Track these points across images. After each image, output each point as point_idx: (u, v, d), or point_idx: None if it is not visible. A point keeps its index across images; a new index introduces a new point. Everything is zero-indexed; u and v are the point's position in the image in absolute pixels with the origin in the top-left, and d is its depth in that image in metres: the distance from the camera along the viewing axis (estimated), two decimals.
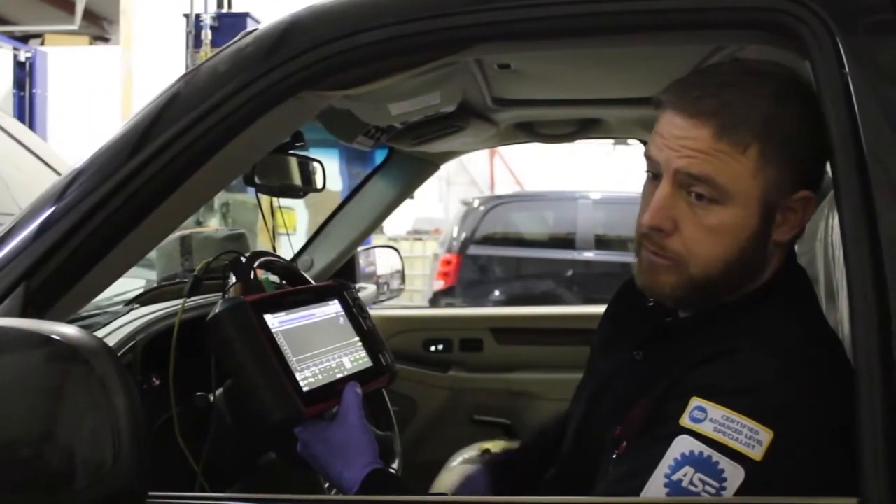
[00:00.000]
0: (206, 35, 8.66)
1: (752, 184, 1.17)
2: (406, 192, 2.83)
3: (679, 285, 1.21)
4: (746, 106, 1.16)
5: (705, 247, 1.18)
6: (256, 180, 2.10)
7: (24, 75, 9.09)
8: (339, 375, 1.47)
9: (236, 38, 1.24)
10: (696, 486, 1.05)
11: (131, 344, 1.60)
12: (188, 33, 8.82)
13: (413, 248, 12.60)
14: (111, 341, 1.56)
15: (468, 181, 16.39)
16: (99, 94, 9.53)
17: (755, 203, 1.17)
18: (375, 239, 7.79)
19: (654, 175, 1.23)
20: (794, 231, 1.22)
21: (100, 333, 1.59)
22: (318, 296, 1.59)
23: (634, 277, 1.27)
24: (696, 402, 1.09)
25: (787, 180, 1.18)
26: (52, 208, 1.16)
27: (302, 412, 1.35)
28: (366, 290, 2.90)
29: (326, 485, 1.74)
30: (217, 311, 1.37)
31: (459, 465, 2.61)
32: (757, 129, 1.16)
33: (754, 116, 1.16)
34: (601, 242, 8.72)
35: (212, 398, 1.50)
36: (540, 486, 1.46)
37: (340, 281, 1.72)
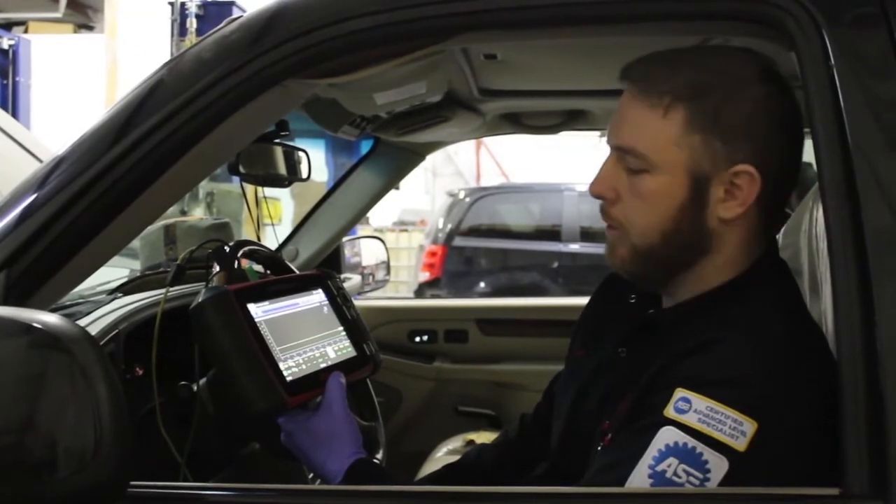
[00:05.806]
0: (192, 23, 8.61)
1: (677, 151, 1.17)
2: (391, 182, 2.83)
3: (628, 257, 1.24)
4: (670, 70, 1.18)
5: (640, 215, 1.21)
6: (241, 169, 2.09)
7: (8, 63, 8.99)
8: (323, 365, 1.46)
9: (221, 26, 1.23)
10: (679, 477, 1.05)
11: (114, 333, 1.59)
12: (173, 21, 8.76)
13: (398, 240, 12.59)
14: (94, 330, 1.55)
15: (454, 172, 16.37)
16: (83, 83, 9.44)
17: (681, 172, 1.17)
18: (361, 230, 7.77)
19: None
20: (740, 209, 1.18)
21: (82, 322, 1.58)
22: (301, 285, 1.58)
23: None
24: (680, 392, 1.09)
25: (724, 153, 1.16)
26: (35, 196, 1.15)
27: (286, 402, 1.34)
28: (351, 281, 2.90)
29: (310, 475, 1.74)
30: (200, 300, 1.36)
31: (444, 456, 2.62)
32: (679, 93, 1.16)
33: (678, 79, 1.17)
34: (586, 234, 8.72)
35: (195, 388, 1.49)
36: (530, 483, 1.45)
37: (325, 270, 1.71)
